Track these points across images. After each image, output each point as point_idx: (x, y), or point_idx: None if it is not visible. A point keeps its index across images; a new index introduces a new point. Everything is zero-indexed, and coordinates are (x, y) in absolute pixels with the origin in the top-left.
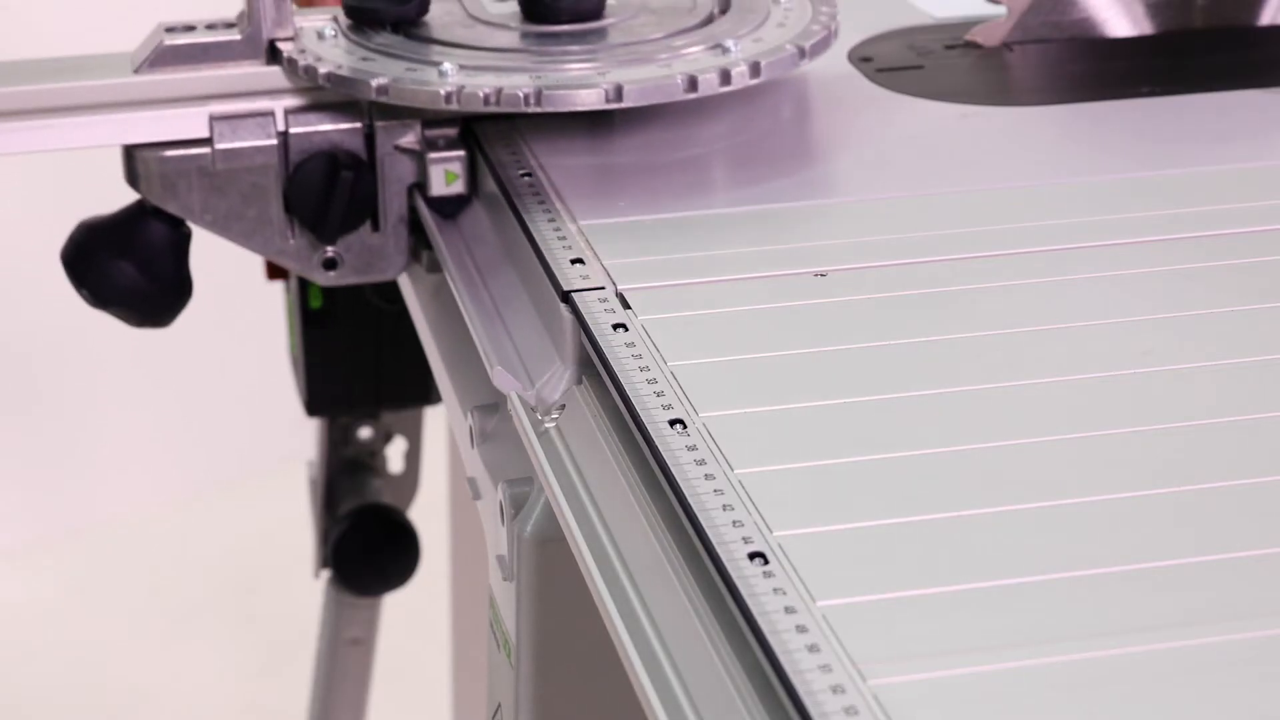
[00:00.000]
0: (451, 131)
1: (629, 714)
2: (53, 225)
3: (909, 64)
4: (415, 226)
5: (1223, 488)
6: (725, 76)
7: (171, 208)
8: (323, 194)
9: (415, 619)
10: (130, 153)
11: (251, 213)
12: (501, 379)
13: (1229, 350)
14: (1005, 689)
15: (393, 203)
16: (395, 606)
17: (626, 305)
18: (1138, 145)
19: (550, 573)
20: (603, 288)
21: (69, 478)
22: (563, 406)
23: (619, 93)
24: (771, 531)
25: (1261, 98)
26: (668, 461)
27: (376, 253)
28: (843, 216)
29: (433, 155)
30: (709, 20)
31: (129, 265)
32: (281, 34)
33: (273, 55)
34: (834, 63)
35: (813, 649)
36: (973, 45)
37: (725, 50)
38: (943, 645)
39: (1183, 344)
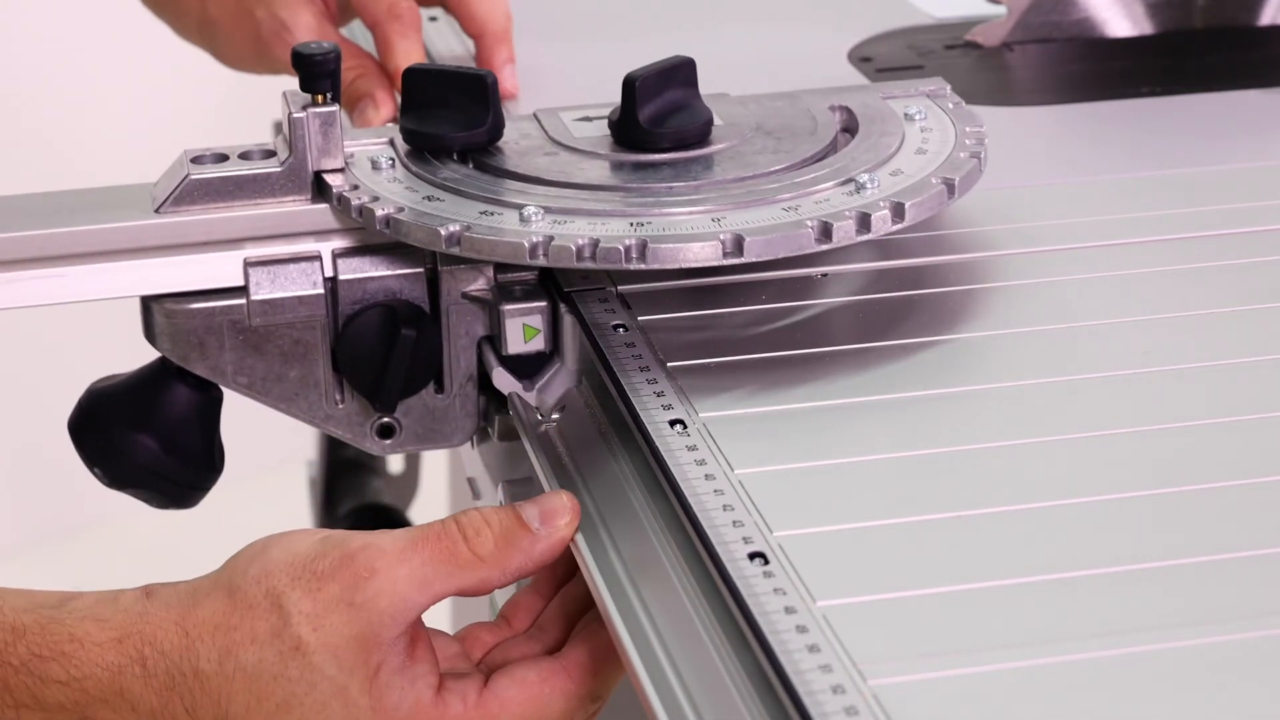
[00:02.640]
0: (530, 276)
1: (630, 713)
2: None
3: (909, 64)
4: (485, 385)
5: (1222, 488)
6: (864, 222)
7: (199, 369)
8: (380, 355)
9: None
10: (148, 304)
11: (294, 374)
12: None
13: (1229, 350)
14: (1004, 688)
15: (460, 359)
16: None
17: (627, 306)
18: (1137, 145)
19: None
20: (602, 287)
21: (67, 477)
22: (563, 407)
23: (739, 245)
24: (772, 532)
25: (1261, 98)
26: (668, 461)
27: (440, 417)
28: None
29: (508, 307)
30: (834, 145)
31: (149, 439)
32: (329, 164)
33: (319, 189)
34: (834, 63)
35: (813, 649)
36: (973, 45)
37: (860, 187)
38: (942, 645)
39: (1182, 344)
